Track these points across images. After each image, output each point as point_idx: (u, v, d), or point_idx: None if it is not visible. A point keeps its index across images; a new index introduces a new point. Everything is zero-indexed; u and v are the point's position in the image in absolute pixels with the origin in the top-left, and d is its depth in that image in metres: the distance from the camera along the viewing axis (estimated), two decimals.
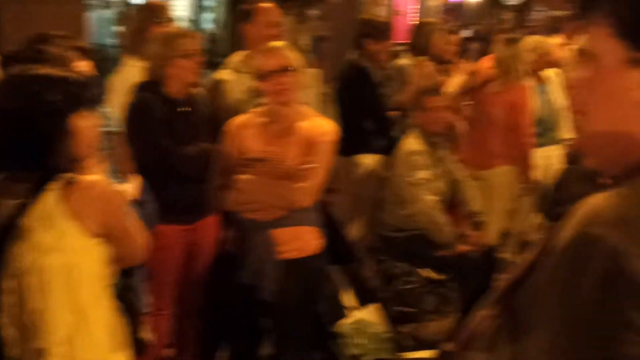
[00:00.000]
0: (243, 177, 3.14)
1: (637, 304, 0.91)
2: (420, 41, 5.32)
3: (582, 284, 0.95)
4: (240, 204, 3.17)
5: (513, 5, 22.75)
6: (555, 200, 4.25)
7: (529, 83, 4.98)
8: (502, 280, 1.23)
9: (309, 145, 3.14)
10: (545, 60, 5.16)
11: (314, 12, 10.10)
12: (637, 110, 1.05)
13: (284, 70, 3.15)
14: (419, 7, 19.75)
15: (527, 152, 4.81)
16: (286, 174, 3.08)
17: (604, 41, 1.07)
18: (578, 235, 0.99)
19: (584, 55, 1.11)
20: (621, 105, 1.06)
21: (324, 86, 4.62)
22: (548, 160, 5.15)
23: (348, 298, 3.72)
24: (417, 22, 6.10)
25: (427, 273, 4.10)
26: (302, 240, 3.19)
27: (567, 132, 5.12)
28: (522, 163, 4.80)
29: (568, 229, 1.01)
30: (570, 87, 1.16)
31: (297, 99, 3.26)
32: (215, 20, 10.08)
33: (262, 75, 3.20)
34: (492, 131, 4.79)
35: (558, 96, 5.22)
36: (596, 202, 1.02)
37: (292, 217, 3.12)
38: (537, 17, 17.12)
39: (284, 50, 3.26)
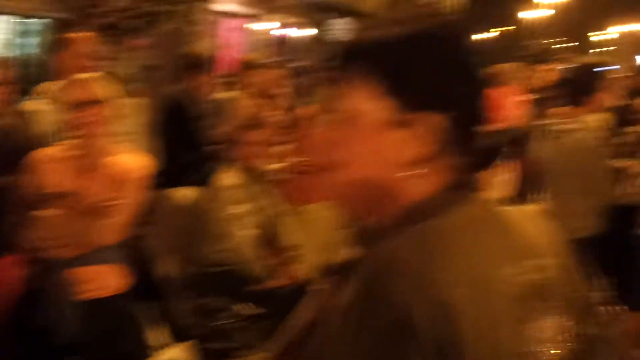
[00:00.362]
0: (43, 213, 3.00)
1: (424, 355, 0.92)
2: (244, 75, 5.37)
3: (367, 338, 0.95)
4: (39, 241, 3.02)
5: (339, 42, 23.65)
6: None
7: None
8: (289, 329, 1.23)
9: (118, 180, 3.06)
10: None
11: (144, 41, 9.94)
12: (398, 167, 1.05)
13: (92, 102, 3.06)
14: (244, 40, 20.04)
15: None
16: (89, 210, 2.97)
17: (367, 99, 1.05)
18: (361, 290, 0.99)
19: (343, 110, 1.08)
20: (382, 162, 1.05)
21: (148, 117, 4.55)
22: None
23: (157, 336, 3.63)
24: (242, 56, 6.16)
25: (243, 308, 4.09)
26: (104, 279, 3.08)
27: None
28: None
29: (351, 284, 1.02)
30: (320, 141, 1.13)
31: (107, 132, 3.17)
32: (40, 45, 9.64)
33: (69, 107, 3.09)
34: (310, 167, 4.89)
35: None
36: (376, 255, 1.03)
37: (94, 255, 3.01)
38: None
39: (93, 81, 3.17)
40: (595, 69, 4.14)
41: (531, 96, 6.66)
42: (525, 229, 1.12)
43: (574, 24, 52.65)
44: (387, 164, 1.05)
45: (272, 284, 4.15)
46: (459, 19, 1.12)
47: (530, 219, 1.17)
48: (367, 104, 1.05)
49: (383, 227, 1.07)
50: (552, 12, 51.97)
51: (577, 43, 49.85)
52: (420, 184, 1.05)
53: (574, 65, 4.82)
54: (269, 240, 4.33)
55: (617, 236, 3.82)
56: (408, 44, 1.04)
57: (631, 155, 4.04)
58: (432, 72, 1.04)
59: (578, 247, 3.86)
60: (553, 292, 1.05)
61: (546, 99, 5.69)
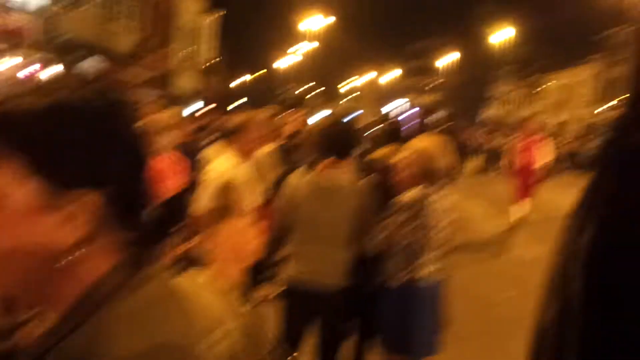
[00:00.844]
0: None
1: None
2: None
3: None
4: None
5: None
6: None
7: None
8: None
9: None
10: None
11: None
12: (57, 253, 0.93)
13: None
14: None
15: None
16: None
17: (11, 181, 0.92)
18: None
19: None
20: (36, 250, 0.93)
21: None
22: None
23: None
24: None
25: None
26: None
27: None
28: None
29: None
30: None
31: None
32: None
33: None
34: None
35: None
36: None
37: None
38: None
39: None
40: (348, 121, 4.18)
41: (280, 143, 6.86)
42: (202, 299, 1.10)
43: (322, 73, 55.78)
44: (43, 252, 0.93)
45: None
46: (116, 88, 1.02)
47: (203, 288, 1.16)
48: (10, 186, 0.92)
49: (61, 319, 0.95)
50: (300, 59, 54.70)
51: (323, 88, 52.79)
52: (87, 267, 0.95)
53: (327, 115, 4.96)
54: None
55: (364, 287, 3.96)
56: (52, 117, 0.93)
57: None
58: (81, 147, 0.93)
59: (327, 298, 3.92)
60: (240, 355, 1.06)
61: (297, 146, 5.86)
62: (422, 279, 3.80)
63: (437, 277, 3.87)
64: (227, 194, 4.10)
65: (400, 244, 3.78)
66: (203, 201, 4.26)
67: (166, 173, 4.81)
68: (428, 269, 3.81)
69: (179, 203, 4.59)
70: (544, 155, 10.73)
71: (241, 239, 3.97)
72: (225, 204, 4.06)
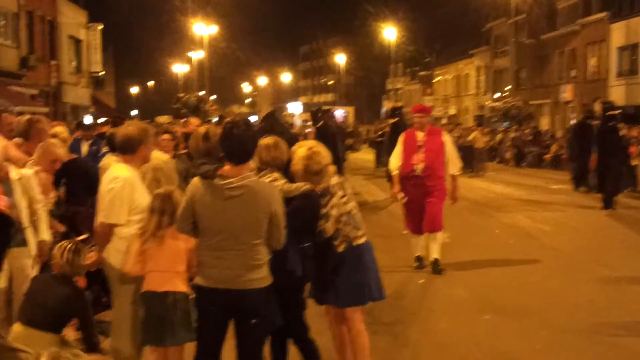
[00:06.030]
0: None
1: None
2: None
3: None
4: None
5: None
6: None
7: None
8: None
9: None
10: None
11: None
12: None
13: None
14: None
15: None
16: None
17: None
18: None
19: None
20: None
21: None
22: (17, 261, 4.89)
23: None
24: None
25: None
26: None
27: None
28: None
29: None
30: None
31: None
32: None
33: None
34: None
35: (21, 198, 4.93)
36: None
37: None
38: None
39: None
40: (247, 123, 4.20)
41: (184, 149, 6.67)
42: None
43: (213, 80, 55.19)
44: None
45: None
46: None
47: None
48: None
49: None
50: (188, 69, 53.96)
51: (215, 97, 52.48)
52: None
53: (225, 121, 4.85)
54: None
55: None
56: None
57: None
58: None
59: (241, 299, 3.82)
60: None
61: (194, 154, 5.69)
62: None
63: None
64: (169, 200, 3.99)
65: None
66: (115, 209, 4.17)
67: None
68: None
69: None
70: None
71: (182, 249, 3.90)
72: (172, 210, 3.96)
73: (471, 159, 21.82)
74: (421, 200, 7.88)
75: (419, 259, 8.18)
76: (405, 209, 8.15)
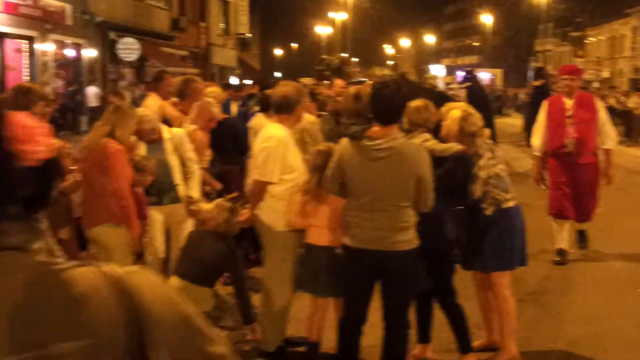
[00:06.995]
0: None
1: None
2: (19, 102, 4.83)
3: None
4: None
5: (129, 62, 22.90)
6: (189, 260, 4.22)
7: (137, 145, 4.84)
8: None
9: None
10: (142, 129, 4.93)
11: None
12: None
13: None
14: (28, 62, 18.74)
15: (128, 212, 4.50)
16: None
17: None
18: None
19: None
20: None
21: None
22: (172, 217, 5.06)
23: None
24: (17, 86, 5.50)
25: None
26: None
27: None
28: (128, 223, 4.50)
29: None
30: None
31: None
32: None
33: None
34: (96, 189, 4.46)
35: (172, 156, 5.09)
36: None
37: None
38: (152, 73, 17.35)
39: None
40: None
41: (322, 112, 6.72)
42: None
43: (358, 41, 55.19)
44: None
45: None
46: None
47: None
48: None
49: None
50: (332, 31, 54.13)
51: (357, 60, 52.40)
52: None
53: (373, 82, 4.80)
54: None
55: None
56: None
57: None
58: None
59: (388, 261, 3.85)
60: None
61: (340, 115, 5.72)
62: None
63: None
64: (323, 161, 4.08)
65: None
66: (267, 169, 4.25)
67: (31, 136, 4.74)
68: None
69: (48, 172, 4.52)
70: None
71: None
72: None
73: (631, 126, 20.54)
74: (571, 182, 6.79)
75: (560, 252, 6.90)
76: (551, 188, 7.01)
